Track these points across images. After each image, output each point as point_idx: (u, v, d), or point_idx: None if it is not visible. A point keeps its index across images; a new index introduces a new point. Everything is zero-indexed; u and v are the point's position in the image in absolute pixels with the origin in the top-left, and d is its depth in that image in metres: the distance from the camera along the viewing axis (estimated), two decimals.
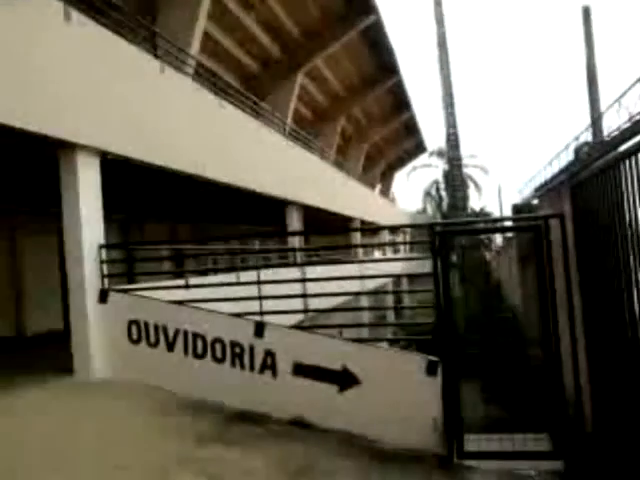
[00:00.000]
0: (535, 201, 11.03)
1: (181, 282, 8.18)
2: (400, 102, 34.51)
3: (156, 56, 9.33)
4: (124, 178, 9.44)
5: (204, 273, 10.68)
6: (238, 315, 6.57)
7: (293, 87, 22.33)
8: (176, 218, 19.69)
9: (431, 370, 5.78)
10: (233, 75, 20.46)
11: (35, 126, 6.18)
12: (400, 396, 5.85)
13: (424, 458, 5.47)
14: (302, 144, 18.57)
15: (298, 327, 7.16)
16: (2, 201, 11.50)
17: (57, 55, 6.64)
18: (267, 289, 7.02)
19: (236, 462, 4.87)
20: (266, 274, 7.54)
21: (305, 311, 8.26)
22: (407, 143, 45.12)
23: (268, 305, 6.80)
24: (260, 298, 6.75)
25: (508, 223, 15.56)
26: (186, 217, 19.92)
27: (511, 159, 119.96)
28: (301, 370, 6.15)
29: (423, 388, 5.79)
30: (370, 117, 35.45)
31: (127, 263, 10.64)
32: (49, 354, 8.53)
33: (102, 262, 7.14)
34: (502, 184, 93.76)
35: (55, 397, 6.25)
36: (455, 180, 42.74)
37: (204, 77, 12.60)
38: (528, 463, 5.56)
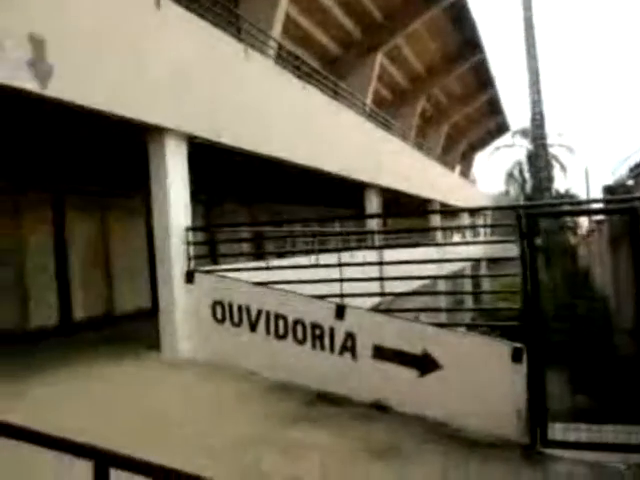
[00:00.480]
0: (630, 182, 10.45)
1: (262, 264, 8.32)
2: (483, 80, 33.45)
3: (240, 39, 9.43)
4: (207, 160, 9.63)
5: (283, 255, 10.81)
6: (319, 297, 6.61)
7: (373, 67, 22.07)
8: (255, 199, 19.98)
9: (516, 357, 5.61)
10: (313, 57, 20.43)
11: (128, 112, 6.39)
12: (482, 382, 5.70)
13: (506, 445, 5.34)
14: (382, 125, 18.37)
15: (377, 310, 7.13)
16: (94, 184, 12.02)
17: (148, 40, 6.80)
18: (344, 271, 7.03)
19: (320, 441, 4.93)
20: (344, 256, 7.53)
21: (383, 294, 8.21)
22: (489, 122, 43.74)
23: (346, 287, 6.80)
24: (341, 280, 6.75)
25: (597, 205, 14.83)
26: (264, 198, 20.18)
27: (599, 139, 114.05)
28: (381, 353, 6.11)
29: (507, 375, 5.61)
30: (451, 96, 34.56)
31: (210, 245, 10.95)
32: (137, 332, 8.92)
33: (188, 244, 7.37)
34: (589, 165, 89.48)
35: (146, 372, 6.58)
36: (539, 160, 41.01)
37: (286, 60, 12.65)
38: (618, 455, 5.32)
